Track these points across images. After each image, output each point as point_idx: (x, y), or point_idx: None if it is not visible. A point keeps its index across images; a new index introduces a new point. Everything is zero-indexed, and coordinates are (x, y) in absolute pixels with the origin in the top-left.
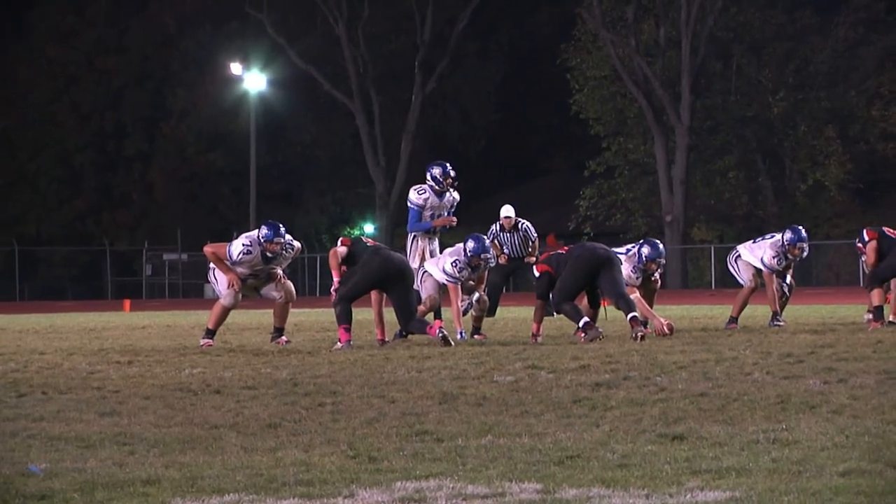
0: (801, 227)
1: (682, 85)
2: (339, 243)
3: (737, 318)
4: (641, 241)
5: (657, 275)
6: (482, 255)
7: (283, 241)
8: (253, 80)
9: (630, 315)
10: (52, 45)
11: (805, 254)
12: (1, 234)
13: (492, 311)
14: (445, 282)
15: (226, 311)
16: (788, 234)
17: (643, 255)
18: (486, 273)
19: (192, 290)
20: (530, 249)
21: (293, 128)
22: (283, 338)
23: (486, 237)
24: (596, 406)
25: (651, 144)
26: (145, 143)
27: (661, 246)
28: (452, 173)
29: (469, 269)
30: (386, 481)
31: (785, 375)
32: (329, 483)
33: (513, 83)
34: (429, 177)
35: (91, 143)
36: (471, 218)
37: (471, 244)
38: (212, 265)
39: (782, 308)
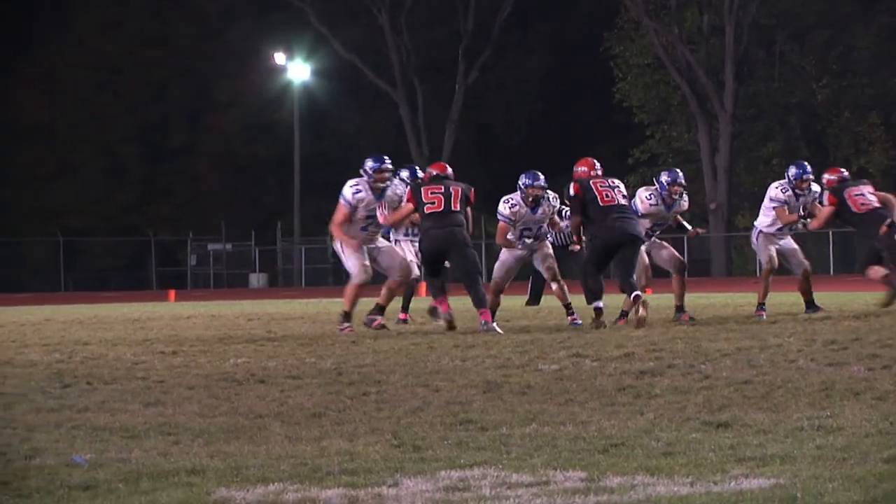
0: (805, 163)
1: (726, 72)
2: None
3: (763, 304)
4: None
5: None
6: (535, 184)
7: (389, 167)
8: (297, 70)
9: (634, 294)
10: (96, 37)
11: (813, 189)
12: (45, 225)
13: (536, 300)
14: (501, 220)
15: (358, 290)
16: (793, 170)
17: (663, 183)
18: (553, 263)
19: (236, 279)
20: (574, 238)
21: (337, 118)
22: (379, 319)
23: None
24: (640, 394)
25: (694, 132)
26: (189, 134)
27: (677, 171)
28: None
29: (523, 207)
30: (430, 470)
31: (829, 362)
32: (373, 472)
33: (556, 72)
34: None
35: (134, 135)
36: None
37: (523, 178)
38: (337, 243)
39: (808, 295)
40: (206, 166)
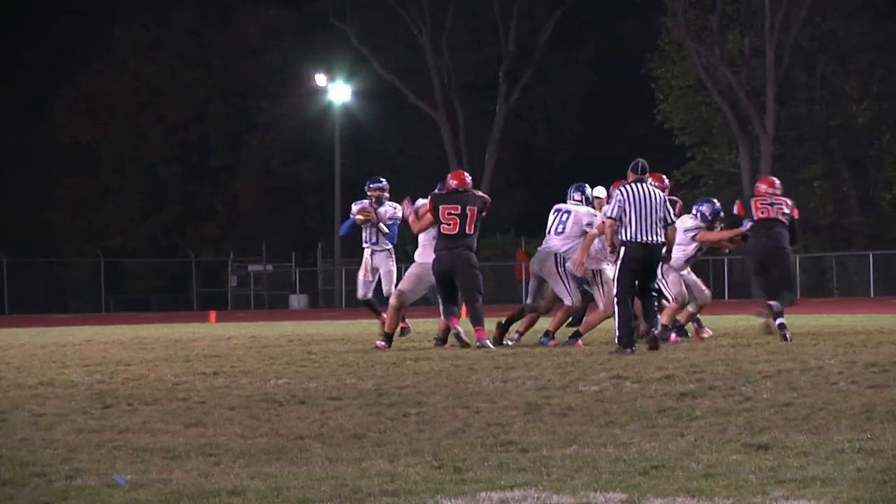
0: (714, 199)
1: (767, 95)
2: None
3: (679, 326)
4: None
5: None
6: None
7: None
8: (337, 92)
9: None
10: (137, 58)
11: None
12: (87, 246)
13: (577, 321)
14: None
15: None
16: (706, 206)
17: (706, 214)
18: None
19: (276, 301)
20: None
21: (378, 139)
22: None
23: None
24: (681, 416)
25: (736, 154)
26: (230, 155)
27: (714, 201)
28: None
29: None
30: (471, 491)
31: (870, 385)
32: (414, 493)
33: (598, 93)
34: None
35: (175, 156)
36: None
37: (706, 207)
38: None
39: (687, 319)
40: (246, 187)
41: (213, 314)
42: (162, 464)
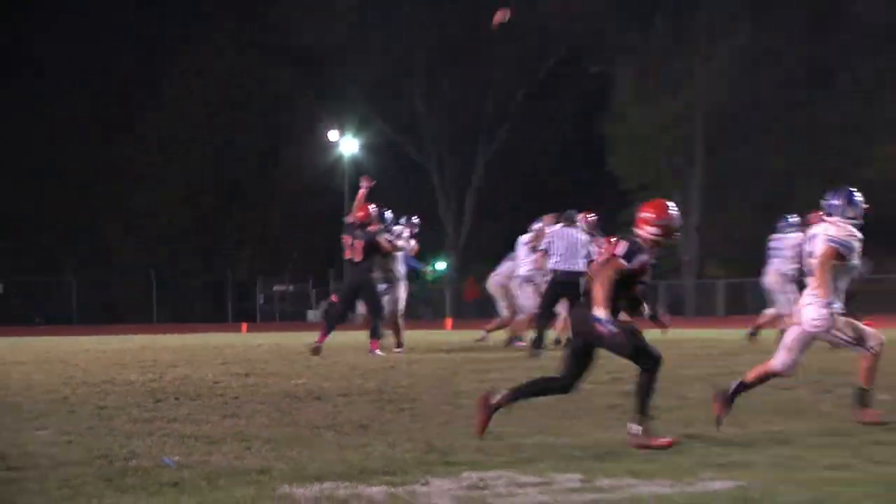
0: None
1: (696, 150)
2: None
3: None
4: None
5: None
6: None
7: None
8: (347, 145)
9: None
10: (184, 103)
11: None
12: (139, 261)
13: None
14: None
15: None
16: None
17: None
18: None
19: (296, 315)
20: None
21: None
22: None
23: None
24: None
25: (673, 196)
26: (260, 192)
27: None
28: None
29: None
30: (455, 472)
31: (782, 387)
32: (409, 473)
33: (563, 145)
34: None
35: (215, 188)
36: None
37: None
38: None
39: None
40: (274, 218)
41: (244, 325)
42: (203, 448)
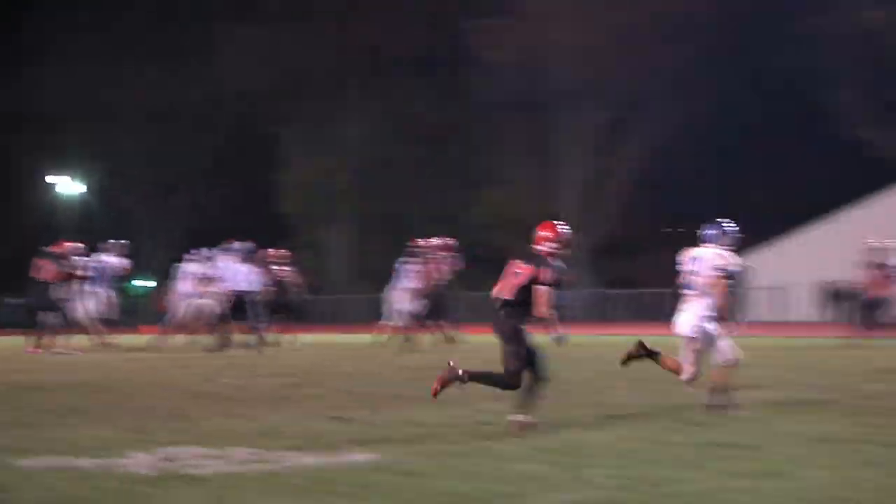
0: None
1: None
2: None
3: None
4: None
5: None
6: None
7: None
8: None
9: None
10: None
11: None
12: None
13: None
14: None
15: None
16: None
17: None
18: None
19: None
20: None
21: None
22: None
23: None
24: (291, 398)
25: None
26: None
27: None
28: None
29: None
30: (152, 449)
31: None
32: (112, 450)
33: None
34: None
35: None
36: None
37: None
38: None
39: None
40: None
41: None
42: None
